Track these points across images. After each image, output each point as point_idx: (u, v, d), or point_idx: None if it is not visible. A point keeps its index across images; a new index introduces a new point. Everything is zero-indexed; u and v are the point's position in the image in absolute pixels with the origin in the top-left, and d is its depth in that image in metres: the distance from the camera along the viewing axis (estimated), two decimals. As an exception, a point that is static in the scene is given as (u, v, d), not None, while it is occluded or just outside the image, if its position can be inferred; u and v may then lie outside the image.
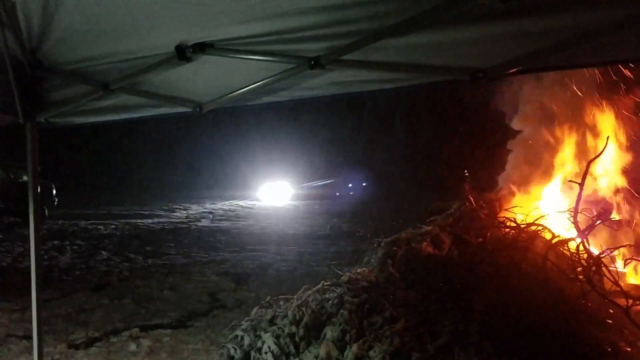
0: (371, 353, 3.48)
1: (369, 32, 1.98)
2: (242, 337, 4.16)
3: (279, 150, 29.20)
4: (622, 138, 4.92)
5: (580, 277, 3.83)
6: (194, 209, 19.90)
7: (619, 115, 4.96)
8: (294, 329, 4.00)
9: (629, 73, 4.77)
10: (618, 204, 4.83)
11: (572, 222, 4.20)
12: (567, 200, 4.86)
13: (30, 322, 3.14)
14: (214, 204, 22.02)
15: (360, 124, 30.62)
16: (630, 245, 4.23)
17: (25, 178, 13.97)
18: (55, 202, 15.58)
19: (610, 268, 3.90)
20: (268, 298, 4.60)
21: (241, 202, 22.75)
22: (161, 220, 16.43)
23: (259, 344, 4.00)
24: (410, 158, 27.49)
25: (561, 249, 4.10)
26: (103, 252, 10.41)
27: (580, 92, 5.07)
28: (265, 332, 4.04)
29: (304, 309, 4.17)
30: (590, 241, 4.15)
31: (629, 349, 3.39)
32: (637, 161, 4.86)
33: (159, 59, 2.36)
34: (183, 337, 5.49)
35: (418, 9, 1.83)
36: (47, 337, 5.17)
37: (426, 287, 4.00)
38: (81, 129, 25.91)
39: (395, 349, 3.43)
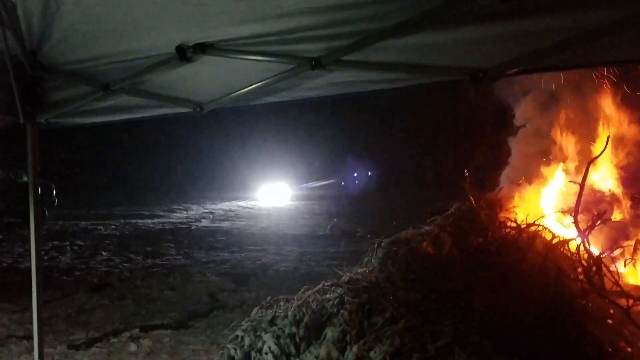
0: (372, 354, 3.48)
1: (370, 33, 1.98)
2: (242, 338, 4.16)
3: (279, 150, 29.23)
4: (623, 138, 4.92)
5: (581, 277, 3.83)
6: (194, 210, 19.91)
7: (620, 114, 4.96)
8: (294, 329, 3.99)
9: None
10: (618, 204, 4.83)
11: (573, 222, 4.20)
12: (567, 201, 4.86)
13: (31, 322, 3.14)
14: (214, 204, 22.03)
15: (360, 124, 30.62)
16: (630, 246, 4.22)
17: (25, 178, 13.98)
18: (56, 203, 15.58)
19: (611, 268, 3.89)
20: (268, 298, 4.59)
21: (241, 203, 22.76)
22: (161, 220, 16.44)
23: (260, 344, 4.00)
24: (411, 158, 27.49)
25: (561, 249, 4.10)
26: (103, 253, 10.41)
27: (583, 92, 5.07)
28: (266, 332, 4.04)
29: (304, 309, 4.17)
30: (590, 241, 4.15)
31: (629, 349, 3.38)
32: (638, 161, 4.86)
33: (159, 60, 2.36)
34: (183, 337, 5.49)
35: (418, 10, 1.83)
36: (48, 337, 5.16)
37: (426, 288, 3.99)
38: (81, 130, 25.92)
39: (396, 350, 3.43)
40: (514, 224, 4.45)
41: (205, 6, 1.98)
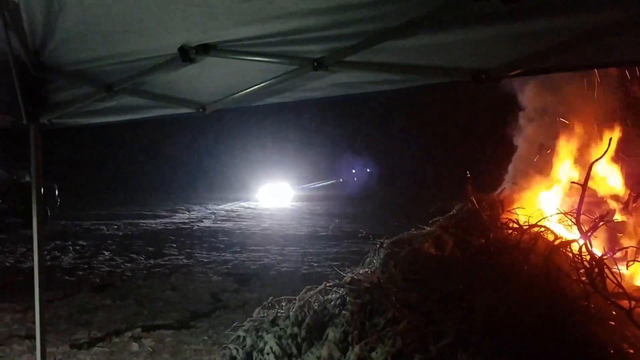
0: (373, 354, 3.48)
1: (372, 34, 1.98)
2: (244, 338, 4.16)
3: (281, 151, 29.27)
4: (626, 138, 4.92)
5: (583, 278, 3.82)
6: (196, 210, 19.93)
7: (623, 115, 4.95)
8: (296, 329, 3.99)
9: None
10: (621, 205, 4.83)
11: (575, 224, 4.19)
12: (569, 202, 4.85)
13: (33, 322, 3.16)
14: (216, 204, 22.05)
15: (360, 123, 30.63)
16: (633, 247, 4.22)
17: (27, 178, 14.00)
18: (58, 203, 15.60)
19: (613, 270, 3.89)
20: (270, 299, 4.59)
21: (243, 203, 22.77)
22: (163, 220, 16.45)
23: (261, 344, 4.00)
24: (411, 157, 27.49)
25: (564, 251, 4.09)
26: (105, 253, 10.42)
27: (586, 92, 5.07)
28: (268, 332, 4.04)
29: (306, 309, 4.17)
30: (592, 242, 4.14)
31: (631, 351, 3.38)
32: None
33: (162, 60, 2.36)
34: (185, 337, 5.50)
35: (421, 11, 1.83)
36: (50, 337, 5.17)
37: (428, 288, 3.99)
38: (83, 130, 25.96)
39: (398, 350, 3.43)
40: (516, 225, 4.44)
41: (208, 7, 1.99)
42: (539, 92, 5.50)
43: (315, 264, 9.49)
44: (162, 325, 5.89)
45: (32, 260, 3.04)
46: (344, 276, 4.43)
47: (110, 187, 27.74)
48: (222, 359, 4.16)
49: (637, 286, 4.20)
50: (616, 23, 1.77)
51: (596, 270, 3.81)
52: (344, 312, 3.97)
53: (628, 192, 4.89)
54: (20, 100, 2.69)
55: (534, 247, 4.14)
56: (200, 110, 2.77)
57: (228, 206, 21.70)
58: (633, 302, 3.59)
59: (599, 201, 4.82)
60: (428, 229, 4.80)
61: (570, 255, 4.03)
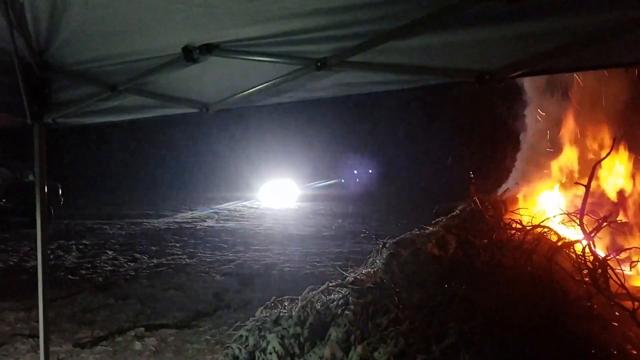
0: (376, 354, 3.48)
1: (376, 34, 1.98)
2: (246, 338, 4.17)
3: (284, 151, 29.28)
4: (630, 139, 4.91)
5: (586, 279, 3.81)
6: (199, 209, 19.95)
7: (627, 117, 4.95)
8: (298, 329, 4.00)
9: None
10: (625, 206, 4.82)
11: (578, 224, 4.19)
12: (573, 202, 4.85)
13: (36, 321, 3.16)
14: (218, 204, 22.07)
15: (361, 123, 30.62)
16: (636, 248, 4.21)
17: (31, 177, 14.05)
18: (62, 202, 15.65)
19: (616, 270, 3.88)
20: (273, 298, 4.60)
21: (246, 203, 22.79)
22: (166, 220, 16.48)
23: (264, 344, 4.00)
24: (416, 158, 27.45)
25: (567, 251, 4.09)
26: (109, 252, 10.45)
27: (588, 93, 5.06)
28: (270, 332, 4.04)
29: (308, 309, 4.17)
30: (596, 243, 4.13)
31: (634, 352, 3.37)
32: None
33: (166, 60, 2.37)
34: (188, 337, 5.51)
35: (424, 12, 1.83)
36: (53, 336, 5.19)
37: (431, 289, 3.99)
38: (86, 130, 26.05)
39: (400, 351, 3.43)
40: (519, 226, 4.44)
41: (211, 7, 1.99)
42: (543, 93, 5.50)
43: (318, 264, 9.49)
44: (165, 324, 5.90)
45: (36, 259, 3.04)
46: (347, 276, 4.43)
47: (113, 186, 27.79)
48: (225, 358, 4.17)
49: (641, 287, 4.19)
50: (618, 24, 1.76)
51: (599, 271, 3.80)
52: (346, 312, 3.97)
53: (631, 192, 4.88)
54: (25, 100, 2.70)
55: (537, 248, 4.13)
56: (204, 110, 2.77)
57: (231, 205, 21.72)
58: (636, 303, 3.59)
59: (603, 202, 4.81)
60: (431, 229, 4.81)
61: (574, 256, 4.03)
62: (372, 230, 13.38)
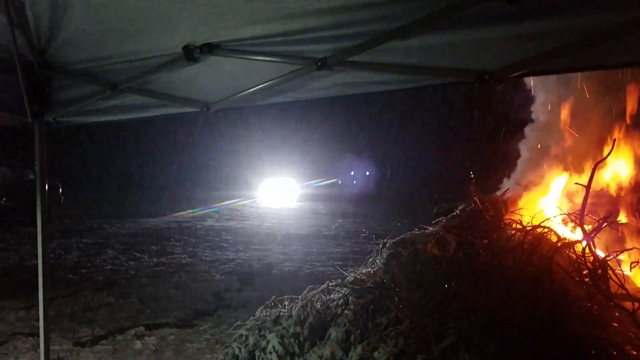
0: (375, 354, 3.48)
1: (376, 34, 1.98)
2: (246, 337, 4.17)
3: (284, 150, 29.28)
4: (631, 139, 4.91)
5: (586, 279, 3.81)
6: (200, 209, 19.95)
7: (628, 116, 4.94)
8: (298, 329, 4.00)
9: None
10: (625, 207, 4.81)
11: (578, 225, 4.19)
12: (573, 203, 4.85)
13: (36, 319, 3.17)
14: (219, 203, 22.07)
15: (361, 125, 30.61)
16: (637, 248, 4.21)
17: (31, 176, 14.05)
18: (62, 201, 15.65)
19: (617, 271, 3.88)
20: (273, 298, 4.60)
21: (246, 202, 22.79)
22: (167, 219, 16.49)
23: (264, 343, 4.00)
24: (416, 158, 27.45)
25: (567, 252, 4.09)
26: (109, 251, 10.45)
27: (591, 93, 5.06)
28: (270, 331, 4.04)
29: (308, 309, 4.17)
30: (596, 244, 4.13)
31: (634, 353, 3.37)
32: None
33: (166, 60, 2.37)
34: (188, 336, 5.51)
35: (425, 11, 1.83)
36: (53, 335, 5.19)
37: (431, 289, 3.99)
38: (87, 129, 26.06)
39: (400, 350, 3.43)
40: (519, 226, 4.43)
41: (212, 7, 1.99)
42: (545, 92, 5.50)
43: (318, 264, 9.50)
44: (165, 323, 5.91)
45: (36, 258, 3.05)
46: (347, 276, 4.43)
47: (113, 185, 27.80)
48: (225, 357, 4.17)
49: (641, 288, 4.19)
50: (618, 24, 1.76)
51: (599, 271, 3.80)
52: (346, 311, 3.97)
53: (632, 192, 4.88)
54: (25, 99, 2.70)
55: (537, 248, 4.13)
56: (204, 109, 2.77)
57: (232, 205, 21.73)
58: (636, 304, 3.59)
59: (604, 202, 4.81)
60: (431, 229, 4.81)
61: (574, 256, 4.03)
62: (372, 230, 13.37)
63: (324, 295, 4.38)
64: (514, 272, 3.92)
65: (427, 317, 3.66)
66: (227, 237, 12.83)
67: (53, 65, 2.61)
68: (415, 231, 4.82)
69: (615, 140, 4.58)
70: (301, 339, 3.95)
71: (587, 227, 4.13)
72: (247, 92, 2.54)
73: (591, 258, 3.90)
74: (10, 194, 13.88)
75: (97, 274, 8.47)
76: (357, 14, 1.91)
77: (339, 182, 27.16)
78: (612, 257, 3.95)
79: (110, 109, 2.94)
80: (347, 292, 4.21)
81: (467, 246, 4.39)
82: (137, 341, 5.29)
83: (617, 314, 3.64)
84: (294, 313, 4.15)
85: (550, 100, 5.49)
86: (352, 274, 4.44)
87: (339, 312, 4.04)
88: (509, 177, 5.72)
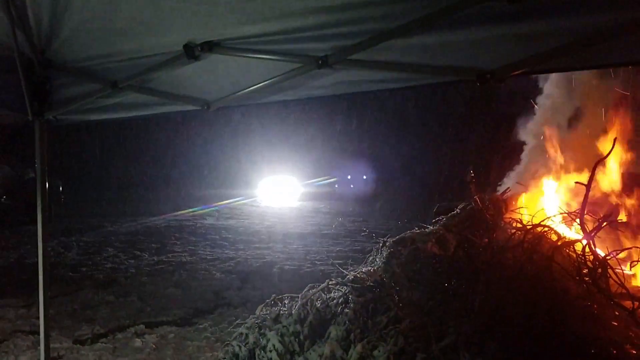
0: (375, 353, 3.49)
1: (377, 32, 1.98)
2: (246, 335, 4.17)
3: (285, 149, 29.21)
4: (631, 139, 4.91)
5: (586, 278, 3.82)
6: (200, 207, 19.95)
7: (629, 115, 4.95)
8: (298, 327, 4.00)
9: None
10: (625, 206, 4.82)
11: (579, 224, 4.19)
12: (574, 202, 4.85)
13: (37, 317, 3.17)
14: (219, 202, 22.06)
15: (364, 122, 30.58)
16: (637, 247, 4.21)
17: (32, 175, 14.05)
18: (62, 200, 15.65)
19: (617, 270, 3.88)
20: (273, 296, 4.60)
21: (246, 201, 22.79)
22: (167, 217, 16.48)
23: (264, 342, 4.01)
24: (417, 157, 27.43)
25: (567, 251, 4.09)
26: (109, 249, 10.45)
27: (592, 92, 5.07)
28: (270, 330, 4.05)
29: (308, 307, 4.17)
30: (596, 243, 4.13)
31: (634, 352, 3.38)
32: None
33: (167, 58, 2.37)
34: (188, 334, 5.52)
35: (425, 10, 1.83)
36: (53, 333, 5.20)
37: (431, 288, 4.00)
38: (87, 128, 26.07)
39: (400, 349, 3.43)
40: (519, 225, 4.44)
41: (213, 5, 1.99)
42: (546, 92, 5.50)
43: (318, 262, 9.50)
44: (165, 322, 5.91)
45: (36, 257, 3.05)
46: (347, 274, 4.43)
47: (114, 184, 27.79)
48: (225, 355, 4.17)
49: (641, 287, 4.19)
50: (619, 24, 1.76)
51: (599, 270, 3.80)
52: (346, 310, 3.97)
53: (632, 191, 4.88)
54: (26, 97, 2.70)
55: (537, 247, 4.13)
56: (205, 107, 2.77)
57: (232, 204, 21.73)
58: (636, 303, 3.59)
59: (604, 201, 4.81)
60: (431, 228, 4.81)
61: (574, 255, 4.03)
62: (372, 228, 13.38)
63: (324, 293, 4.38)
64: (514, 271, 3.92)
65: (427, 316, 3.66)
66: (228, 235, 12.83)
67: (53, 63, 2.61)
68: (416, 230, 4.83)
69: (615, 139, 4.58)
70: (301, 337, 3.95)
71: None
72: (247, 90, 2.54)
73: (591, 257, 3.90)
74: (11, 193, 13.88)
75: (98, 272, 8.47)
76: (358, 12, 1.92)
77: (336, 186, 27.10)
78: (612, 256, 3.95)
79: (110, 107, 2.94)
80: (347, 291, 4.21)
81: (467, 245, 4.39)
82: (137, 339, 5.30)
83: (617, 313, 3.64)
84: (294, 311, 4.15)
85: (551, 99, 5.49)
86: (352, 273, 4.44)
87: (339, 311, 4.05)
88: (509, 175, 5.72)
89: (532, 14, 1.82)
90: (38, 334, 3.26)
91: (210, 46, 2.21)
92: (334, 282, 4.41)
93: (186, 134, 32.76)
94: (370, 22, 1.95)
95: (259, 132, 31.45)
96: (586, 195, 4.21)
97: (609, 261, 3.87)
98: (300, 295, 4.36)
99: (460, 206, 4.96)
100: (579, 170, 5.16)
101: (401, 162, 27.53)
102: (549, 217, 4.47)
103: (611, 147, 4.53)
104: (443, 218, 4.91)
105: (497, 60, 2.08)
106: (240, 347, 4.10)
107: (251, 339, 4.10)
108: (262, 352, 3.96)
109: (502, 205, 4.93)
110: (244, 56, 2.25)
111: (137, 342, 5.22)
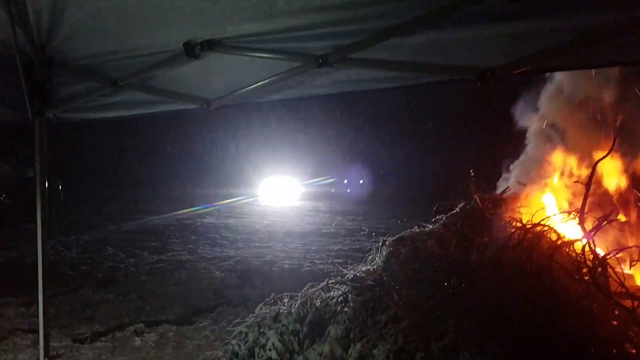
0: (375, 352, 3.49)
1: (377, 31, 1.98)
2: (246, 334, 4.17)
3: (284, 149, 29.24)
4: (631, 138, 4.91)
5: (586, 278, 3.82)
6: (200, 206, 19.94)
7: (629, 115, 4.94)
8: (298, 326, 4.00)
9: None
10: (625, 205, 4.82)
11: (578, 223, 4.19)
12: (573, 201, 4.85)
13: (36, 316, 3.16)
14: (219, 201, 22.06)
15: (363, 121, 30.58)
16: (636, 247, 4.21)
17: (31, 174, 14.03)
18: (62, 198, 15.63)
19: (616, 269, 3.88)
20: (272, 295, 4.61)
21: (246, 200, 22.80)
22: (167, 216, 16.47)
23: (263, 340, 4.01)
24: (417, 156, 27.44)
25: (567, 250, 4.09)
26: (109, 248, 10.45)
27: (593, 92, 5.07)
28: (270, 329, 4.05)
29: (308, 306, 4.18)
30: (596, 242, 4.13)
31: (633, 351, 3.38)
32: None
33: (167, 56, 2.37)
34: (188, 332, 5.51)
35: (426, 9, 1.83)
36: (53, 331, 5.19)
37: (431, 287, 4.00)
38: (87, 127, 26.04)
39: (399, 348, 3.44)
40: (519, 224, 4.44)
41: (212, 3, 1.99)
42: (546, 90, 5.50)
43: (318, 261, 9.50)
44: (165, 320, 5.91)
45: (36, 255, 3.05)
46: (347, 273, 4.43)
47: (113, 182, 27.78)
48: (225, 354, 4.17)
49: (640, 286, 4.19)
50: (620, 23, 1.76)
51: (599, 269, 3.80)
52: (346, 309, 3.98)
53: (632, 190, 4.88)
54: (26, 95, 2.70)
55: (537, 246, 4.13)
56: (205, 106, 2.77)
57: (232, 202, 21.73)
58: (636, 302, 3.59)
59: (604, 200, 4.81)
60: (431, 227, 4.81)
61: (574, 254, 4.03)
62: (371, 228, 13.39)
63: (324, 292, 4.38)
64: (514, 270, 3.92)
65: (427, 315, 3.66)
66: (227, 234, 12.83)
67: (54, 61, 2.61)
68: (415, 229, 4.83)
69: (615, 138, 4.57)
70: (301, 336, 3.95)
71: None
72: (247, 89, 2.54)
73: (591, 256, 3.90)
74: (10, 192, 13.88)
75: (97, 271, 8.46)
76: (358, 10, 1.91)
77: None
78: (611, 255, 3.95)
79: (110, 105, 2.94)
80: (346, 290, 4.21)
81: (467, 244, 4.39)
82: (137, 338, 5.29)
83: (616, 312, 3.64)
84: (293, 310, 4.15)
85: (551, 97, 5.49)
86: (351, 272, 4.44)
87: (338, 310, 4.05)
88: (509, 174, 5.72)
89: (532, 12, 1.81)
90: (37, 332, 3.26)
91: (210, 45, 2.20)
92: (333, 281, 4.41)
93: (186, 134, 32.76)
94: (370, 20, 1.95)
95: (260, 133, 31.48)
96: (586, 195, 4.21)
97: (608, 260, 3.87)
98: (299, 294, 4.37)
99: (460, 205, 4.96)
100: (579, 169, 5.16)
101: (402, 161, 27.53)
102: (548, 217, 4.47)
103: (611, 146, 4.53)
104: (443, 217, 4.91)
105: (497, 59, 2.07)
106: (239, 345, 4.10)
107: (251, 337, 4.11)
108: (262, 350, 3.97)
109: (502, 204, 4.93)
110: (244, 55, 2.25)
111: (137, 341, 5.22)
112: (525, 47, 1.99)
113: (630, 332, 3.51)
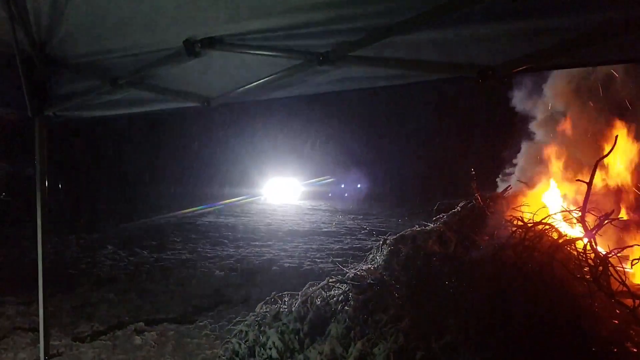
0: (375, 350, 3.48)
1: (378, 29, 1.97)
2: (246, 333, 4.17)
3: (285, 148, 29.24)
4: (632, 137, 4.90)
5: (587, 276, 3.81)
6: (200, 205, 19.94)
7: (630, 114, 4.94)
8: (298, 325, 4.00)
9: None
10: (626, 204, 4.81)
11: (580, 222, 4.18)
12: (574, 200, 4.84)
13: (36, 315, 3.16)
14: (220, 200, 22.07)
15: (363, 121, 30.56)
16: (638, 245, 4.20)
17: (32, 172, 14.04)
18: (62, 197, 15.64)
19: (618, 268, 3.88)
20: (273, 294, 4.60)
21: (247, 199, 22.81)
22: (167, 215, 16.48)
23: (264, 339, 4.01)
24: (417, 156, 27.42)
25: (568, 249, 4.08)
26: (109, 247, 10.44)
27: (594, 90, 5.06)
28: (270, 327, 4.04)
29: (308, 305, 4.17)
30: (597, 241, 4.12)
31: (634, 350, 3.37)
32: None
33: (167, 54, 2.36)
34: (188, 331, 5.51)
35: (427, 6, 1.82)
36: (53, 330, 5.20)
37: (432, 285, 3.99)
38: (87, 125, 26.02)
39: (400, 347, 3.43)
40: (520, 223, 4.43)
41: (213, 1, 1.98)
42: (547, 90, 5.49)
43: (318, 260, 9.50)
44: (165, 319, 5.91)
45: (36, 254, 3.04)
46: (347, 272, 4.43)
47: (113, 181, 27.77)
48: (225, 353, 4.17)
49: (642, 285, 4.19)
50: (621, 21, 1.75)
51: (600, 268, 3.80)
52: (346, 308, 3.97)
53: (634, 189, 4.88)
54: (26, 93, 2.69)
55: (538, 245, 4.13)
56: (205, 104, 2.76)
57: (232, 201, 21.73)
58: (637, 301, 3.58)
59: (605, 199, 4.80)
60: (432, 225, 4.80)
61: (575, 253, 4.02)
62: (372, 226, 13.39)
63: (324, 291, 4.37)
64: (515, 269, 3.91)
65: (428, 314, 3.65)
66: (228, 233, 12.83)
67: (53, 59, 2.60)
68: (416, 228, 4.82)
69: (617, 136, 4.57)
70: (301, 335, 3.95)
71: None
72: (247, 87, 2.53)
73: (592, 255, 3.89)
74: (10, 190, 13.88)
75: (97, 270, 8.46)
76: (359, 8, 1.90)
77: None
78: (613, 254, 3.94)
79: (110, 103, 2.93)
80: (347, 289, 4.21)
81: (467, 243, 4.39)
82: (137, 336, 5.29)
83: (617, 310, 3.64)
84: (294, 309, 4.15)
85: (551, 97, 5.48)
86: (352, 271, 4.44)
87: (339, 309, 4.04)
88: (509, 173, 5.72)
89: (533, 11, 1.81)
90: (37, 331, 3.26)
91: (210, 42, 2.19)
92: (334, 279, 4.41)
93: (187, 133, 32.74)
94: (371, 18, 1.94)
95: (260, 131, 31.46)
96: (587, 193, 4.20)
97: (610, 259, 3.86)
98: (300, 293, 4.36)
99: (461, 204, 4.95)
100: (580, 167, 5.16)
101: (402, 160, 27.52)
102: (550, 215, 4.46)
103: (613, 144, 4.52)
104: (444, 216, 4.90)
105: (498, 57, 2.06)
106: (240, 344, 4.10)
107: (251, 336, 4.10)
108: (262, 349, 3.96)
109: (504, 203, 4.92)
110: (245, 52, 2.24)
111: (137, 340, 5.22)
112: (525, 46, 1.98)
113: (631, 331, 3.50)
